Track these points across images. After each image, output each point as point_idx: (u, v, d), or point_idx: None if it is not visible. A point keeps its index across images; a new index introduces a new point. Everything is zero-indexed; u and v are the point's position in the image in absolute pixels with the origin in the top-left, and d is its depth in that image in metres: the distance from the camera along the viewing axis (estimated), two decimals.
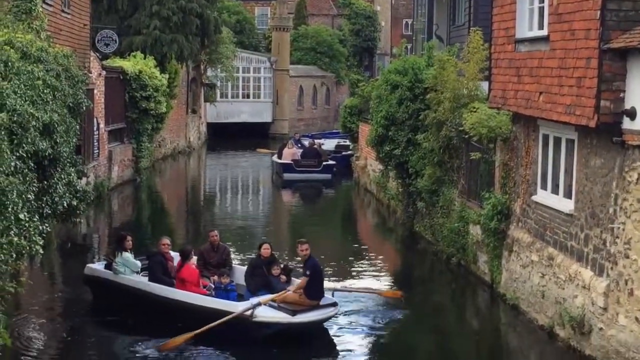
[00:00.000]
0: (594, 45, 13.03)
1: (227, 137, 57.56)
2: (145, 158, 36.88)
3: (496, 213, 17.79)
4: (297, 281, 15.65)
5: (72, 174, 17.30)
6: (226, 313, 14.46)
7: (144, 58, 36.09)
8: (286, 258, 21.76)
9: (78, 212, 17.89)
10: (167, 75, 37.57)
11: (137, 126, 35.40)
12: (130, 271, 16.18)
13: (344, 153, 42.06)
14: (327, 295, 15.34)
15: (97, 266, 17.20)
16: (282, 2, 64.67)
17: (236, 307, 14.66)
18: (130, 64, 34.75)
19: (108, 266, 16.61)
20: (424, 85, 22.98)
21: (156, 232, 25.95)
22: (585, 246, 14.22)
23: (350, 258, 22.51)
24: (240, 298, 15.61)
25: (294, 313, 14.52)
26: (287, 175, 38.50)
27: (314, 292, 15.00)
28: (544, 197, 16.08)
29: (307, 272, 15.01)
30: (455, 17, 33.35)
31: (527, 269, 16.50)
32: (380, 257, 23.39)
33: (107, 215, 29.00)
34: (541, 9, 15.50)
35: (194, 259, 16.36)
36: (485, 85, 19.87)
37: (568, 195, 15.07)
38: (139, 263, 16.37)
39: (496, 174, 18.70)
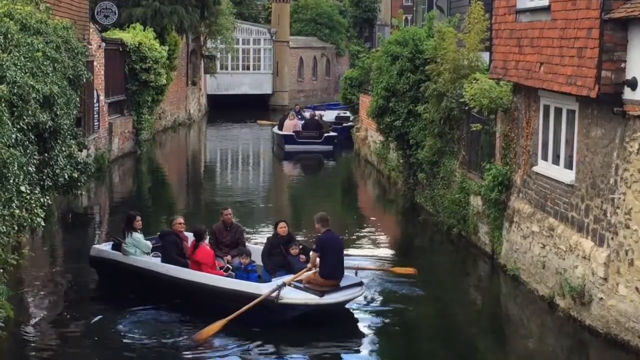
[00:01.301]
0: (595, 15, 12.99)
1: (227, 109, 57.49)
2: (146, 130, 36.86)
3: (497, 184, 17.81)
4: None
5: (73, 146, 17.24)
6: (249, 295, 13.89)
7: (144, 30, 35.96)
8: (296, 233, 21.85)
9: (79, 184, 17.75)
10: (167, 47, 37.45)
11: (137, 98, 35.35)
12: (141, 252, 15.63)
13: (344, 124, 42.06)
14: (350, 274, 14.76)
15: (104, 247, 16.56)
16: None
17: (260, 289, 14.06)
18: (130, 36, 34.63)
19: (115, 247, 16.08)
20: (424, 56, 22.91)
21: (157, 205, 26.08)
22: (585, 217, 14.25)
23: (352, 230, 22.54)
24: (257, 278, 15.08)
25: (321, 294, 13.92)
26: (289, 147, 38.52)
27: (327, 271, 14.26)
28: (544, 167, 16.08)
29: (314, 247, 14.64)
30: None
31: (528, 239, 16.54)
32: (381, 228, 23.43)
33: (108, 187, 29.03)
34: None
35: (207, 239, 15.82)
36: (486, 56, 19.82)
37: (569, 165, 15.08)
38: (150, 244, 15.83)
39: (497, 145, 18.69)
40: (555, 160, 15.72)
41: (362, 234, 22.09)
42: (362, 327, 14.34)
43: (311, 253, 14.73)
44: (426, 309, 15.79)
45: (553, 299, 15.14)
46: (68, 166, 16.58)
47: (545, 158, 16.15)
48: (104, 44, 31.65)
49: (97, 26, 32.76)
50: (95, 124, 30.09)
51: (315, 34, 69.21)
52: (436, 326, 15.08)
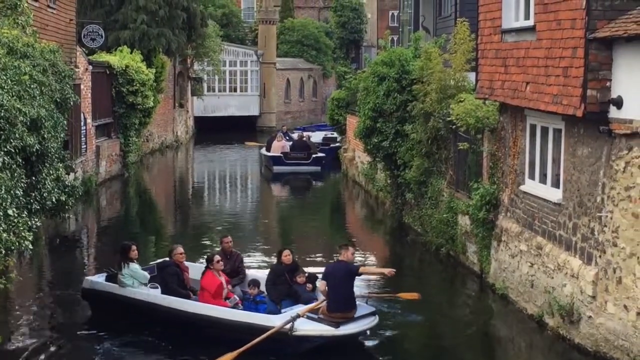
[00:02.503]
0: (580, 35, 13.08)
1: (214, 131, 57.51)
2: (133, 153, 36.84)
3: (484, 203, 17.86)
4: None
5: (60, 169, 17.19)
6: (259, 327, 13.41)
7: (131, 52, 36.01)
8: (274, 253, 21.81)
9: (67, 207, 17.67)
10: (154, 70, 37.52)
11: (124, 121, 35.36)
12: (138, 283, 15.03)
13: (331, 145, 42.12)
14: (362, 302, 14.41)
15: (98, 278, 15.82)
16: None
17: (271, 321, 13.55)
18: (117, 59, 34.66)
19: (109, 278, 15.49)
20: (411, 76, 23.01)
21: (145, 229, 26.00)
22: (573, 235, 14.29)
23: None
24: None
25: (337, 325, 13.46)
26: (277, 168, 38.54)
27: (335, 304, 13.69)
28: (532, 186, 16.14)
29: (320, 277, 14.09)
30: (441, 8, 33.36)
31: (516, 258, 16.57)
32: (370, 248, 23.44)
33: (96, 210, 28.97)
34: None
35: (220, 264, 15.03)
36: (472, 76, 19.91)
37: (556, 184, 15.13)
38: (147, 274, 15.23)
39: (484, 164, 18.75)
40: (543, 179, 15.78)
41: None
42: (353, 348, 14.31)
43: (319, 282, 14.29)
44: (415, 329, 15.78)
45: (542, 318, 15.16)
46: (55, 189, 16.51)
47: (532, 177, 16.21)
48: (91, 67, 31.67)
49: (84, 49, 32.78)
50: (83, 146, 30.05)
51: (302, 55, 69.42)
52: (425, 346, 15.07)
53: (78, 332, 14.98)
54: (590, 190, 13.70)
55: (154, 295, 14.82)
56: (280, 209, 31.59)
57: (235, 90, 64.84)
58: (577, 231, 14.14)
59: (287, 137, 42.40)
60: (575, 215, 14.20)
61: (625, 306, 12.73)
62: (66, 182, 17.74)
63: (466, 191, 19.76)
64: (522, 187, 16.44)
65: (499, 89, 16.78)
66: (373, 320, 14.08)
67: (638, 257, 12.42)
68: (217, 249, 21.56)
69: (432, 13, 34.87)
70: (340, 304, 13.72)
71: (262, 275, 15.97)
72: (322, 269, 15.01)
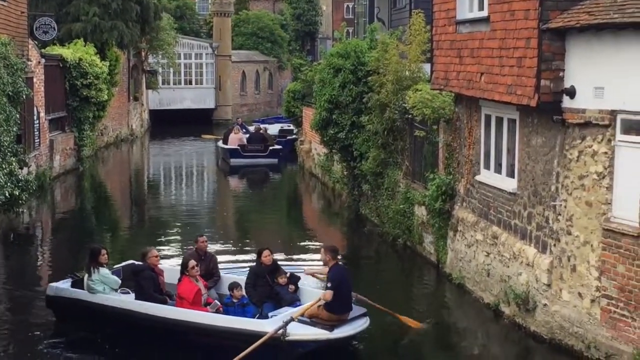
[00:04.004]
0: (533, 26, 13.17)
1: (170, 124, 57.19)
2: (88, 146, 36.51)
3: (441, 194, 17.95)
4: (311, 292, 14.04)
5: (14, 164, 16.99)
6: (250, 333, 12.69)
7: (84, 45, 35.65)
8: (232, 246, 21.77)
9: (20, 202, 17.44)
10: (107, 63, 37.20)
11: (78, 114, 35.02)
12: (109, 289, 14.23)
13: (288, 137, 42.08)
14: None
15: (63, 285, 14.82)
16: None
17: (262, 325, 12.86)
18: (70, 52, 34.30)
19: (75, 284, 14.66)
20: (366, 68, 23.05)
21: (101, 223, 25.75)
22: (528, 224, 14.42)
23: (298, 243, 22.57)
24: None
25: (331, 328, 12.89)
26: (234, 161, 38.44)
27: (339, 306, 13.13)
28: (487, 176, 16.25)
29: (329, 285, 13.12)
30: (396, 0, 33.46)
31: (472, 248, 16.69)
32: (327, 240, 23.36)
33: (50, 205, 28.64)
34: None
35: (196, 269, 14.09)
36: (427, 67, 19.99)
37: (511, 174, 15.26)
38: (119, 280, 14.47)
39: (440, 155, 18.85)
40: (498, 169, 15.90)
41: (308, 247, 22.09)
42: None
43: (327, 291, 13.15)
44: (372, 319, 15.80)
45: (498, 307, 15.28)
46: (8, 184, 16.29)
47: (487, 167, 16.32)
48: (43, 60, 31.28)
49: (37, 42, 32.37)
50: (36, 140, 29.71)
51: (257, 47, 69.24)
52: (382, 337, 15.09)
53: (45, 341, 14.13)
54: (544, 179, 13.83)
55: (129, 301, 13.99)
56: (237, 202, 31.49)
57: (190, 83, 64.51)
58: (532, 220, 14.27)
59: (244, 130, 42.30)
60: (530, 205, 14.33)
61: (579, 294, 12.88)
62: (19, 177, 17.55)
63: (422, 182, 19.85)
64: (478, 177, 16.55)
65: (454, 80, 16.86)
66: (365, 322, 13.52)
67: (592, 245, 12.58)
68: (184, 246, 21.56)
69: (387, 5, 35.00)
70: (346, 307, 13.27)
71: (235, 277, 15.36)
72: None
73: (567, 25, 12.50)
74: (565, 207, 13.21)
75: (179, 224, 25.39)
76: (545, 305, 13.74)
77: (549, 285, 13.64)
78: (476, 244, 16.50)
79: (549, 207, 13.70)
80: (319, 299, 13.20)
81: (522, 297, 14.23)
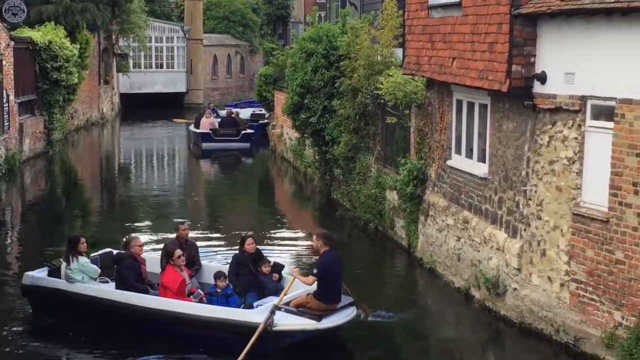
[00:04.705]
0: (505, 11, 13.21)
1: (141, 108, 56.83)
2: (58, 130, 36.24)
3: (412, 178, 18.01)
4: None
5: None
6: (235, 323, 12.50)
7: (54, 28, 35.31)
8: (204, 231, 21.71)
9: None
10: (78, 46, 36.85)
11: (48, 98, 34.73)
12: (88, 278, 13.88)
13: (260, 122, 41.99)
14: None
15: (39, 274, 14.39)
16: None
17: (248, 315, 12.65)
18: (40, 34, 33.97)
19: (52, 273, 14.27)
20: (338, 52, 23.03)
21: (71, 207, 25.61)
22: (499, 209, 14.50)
23: (269, 227, 22.54)
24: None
25: (319, 318, 12.57)
26: (206, 145, 38.32)
27: (327, 296, 12.76)
28: (458, 161, 16.31)
29: (315, 271, 12.77)
30: None
31: (443, 232, 16.76)
32: (299, 225, 23.48)
33: (20, 189, 28.43)
34: None
35: (182, 259, 13.77)
36: (399, 52, 20.00)
37: (482, 159, 15.32)
38: (98, 269, 14.06)
39: (411, 140, 18.89)
40: (469, 154, 15.96)
41: (279, 231, 22.08)
42: None
43: (309, 276, 12.96)
44: None
45: (469, 291, 15.38)
46: None
47: (459, 152, 16.38)
48: (13, 43, 30.97)
49: (6, 24, 32.03)
50: (5, 124, 29.45)
51: (228, 31, 68.89)
52: (352, 322, 15.12)
53: (13, 329, 13.95)
54: (515, 164, 13.91)
55: (110, 290, 13.69)
56: (209, 186, 31.40)
57: (161, 67, 64.11)
58: (503, 205, 14.36)
59: (215, 114, 42.16)
60: (501, 189, 14.41)
61: (549, 278, 12.99)
62: None
63: (394, 167, 19.89)
64: (449, 162, 16.61)
65: (425, 65, 16.88)
66: (353, 311, 13.23)
67: (561, 230, 12.68)
68: (157, 231, 21.50)
69: None
70: (335, 295, 12.93)
71: (215, 265, 15.25)
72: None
73: (539, 10, 12.55)
74: (535, 192, 13.30)
75: (150, 209, 25.29)
76: (515, 289, 13.84)
77: (519, 270, 13.74)
78: (447, 228, 16.57)
79: (519, 192, 13.79)
80: (292, 281, 13.00)
81: (493, 282, 14.33)
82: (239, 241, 14.97)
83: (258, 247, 14.90)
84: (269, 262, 14.45)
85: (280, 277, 14.19)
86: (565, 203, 12.58)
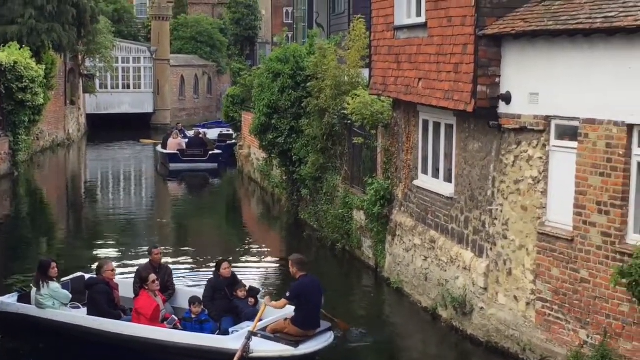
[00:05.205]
0: (470, 32, 13.32)
1: (107, 129, 56.60)
2: (23, 151, 35.94)
3: (379, 198, 18.05)
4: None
5: None
6: (210, 350, 12.30)
7: (19, 48, 35.11)
8: (172, 253, 21.59)
9: None
10: (44, 66, 36.66)
11: (13, 118, 34.47)
12: (59, 304, 13.61)
13: (228, 142, 41.95)
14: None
15: (9, 299, 14.07)
16: None
17: (223, 342, 12.43)
18: (5, 55, 33.75)
19: (22, 299, 13.97)
20: (305, 73, 23.09)
21: (37, 230, 25.35)
22: (465, 228, 14.56)
23: (237, 247, 22.48)
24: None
25: (296, 344, 12.31)
26: (173, 166, 38.19)
27: (305, 321, 12.56)
28: (425, 181, 16.38)
29: (287, 295, 12.61)
30: (335, 5, 33.59)
31: (410, 252, 16.80)
32: (267, 245, 23.42)
33: None
34: None
35: (157, 283, 13.52)
36: (366, 72, 20.08)
37: (448, 179, 15.39)
38: (69, 294, 13.80)
39: (378, 160, 18.94)
40: (435, 174, 16.03)
41: (247, 252, 22.03)
42: None
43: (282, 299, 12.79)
44: None
45: (436, 310, 15.41)
46: None
47: (425, 172, 16.44)
48: None
49: None
50: None
51: (196, 52, 68.91)
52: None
53: None
54: (481, 184, 13.99)
55: (81, 317, 13.40)
56: (176, 208, 31.27)
57: (128, 87, 63.97)
58: (469, 224, 14.42)
59: (183, 135, 42.07)
60: (467, 209, 14.47)
61: (515, 297, 13.05)
62: None
63: (361, 186, 19.93)
64: (416, 182, 16.67)
65: (392, 85, 16.96)
66: (331, 337, 12.94)
67: (527, 249, 12.75)
68: (125, 253, 21.34)
69: (326, 10, 35.08)
70: (312, 321, 12.71)
71: (190, 289, 15.04)
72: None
73: (503, 31, 12.67)
74: (501, 211, 13.38)
75: (117, 231, 25.12)
76: (481, 308, 13.89)
77: (485, 289, 13.79)
78: (414, 248, 16.61)
79: (485, 212, 13.86)
80: (264, 307, 12.82)
81: (459, 301, 14.37)
82: (214, 265, 14.74)
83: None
84: (245, 286, 14.25)
85: (256, 302, 13.95)
86: (531, 222, 12.67)
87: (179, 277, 18.00)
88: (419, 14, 15.81)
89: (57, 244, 23.31)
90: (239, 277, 15.07)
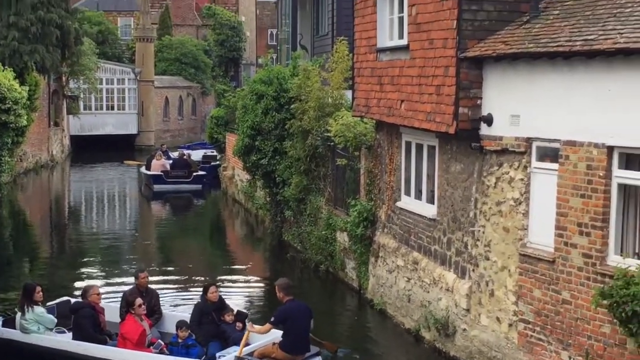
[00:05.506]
0: (452, 54, 13.40)
1: (91, 150, 56.51)
2: (6, 173, 35.72)
3: (362, 220, 18.07)
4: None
5: None
6: None
7: (2, 70, 34.99)
8: (155, 276, 21.53)
9: None
10: (27, 88, 36.51)
11: None
12: (44, 329, 13.52)
13: (212, 163, 41.94)
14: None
15: None
16: (145, 12, 63.98)
17: None
18: None
19: (6, 323, 13.89)
20: (289, 94, 23.15)
21: (20, 252, 25.22)
22: (448, 250, 14.59)
23: (221, 269, 22.45)
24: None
25: None
26: (158, 187, 38.12)
27: (292, 346, 12.54)
28: (407, 202, 16.42)
29: (272, 319, 12.62)
30: (319, 27, 33.68)
31: (393, 274, 16.81)
32: (250, 267, 23.40)
33: None
34: (401, 19, 15.82)
35: (143, 308, 13.55)
36: (350, 94, 20.14)
37: (431, 200, 15.43)
38: (54, 319, 13.71)
39: (361, 181, 18.98)
40: (418, 195, 16.07)
41: (231, 273, 21.98)
42: None
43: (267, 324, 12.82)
44: None
45: (419, 332, 15.41)
46: None
47: (408, 193, 16.49)
48: None
49: None
50: None
51: (180, 73, 68.94)
52: None
53: None
54: (463, 205, 14.03)
55: (67, 341, 13.32)
56: (160, 229, 31.19)
57: (112, 109, 63.90)
58: (452, 246, 14.45)
59: (166, 156, 42.03)
60: (450, 230, 14.51)
61: (497, 318, 13.06)
62: None
63: (344, 208, 19.95)
64: (399, 204, 16.70)
65: (375, 107, 17.01)
66: None
67: (509, 270, 12.79)
68: (109, 276, 21.25)
69: (310, 31, 35.17)
70: (300, 346, 12.67)
71: (179, 314, 14.88)
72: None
73: (484, 54, 12.76)
74: (483, 232, 13.42)
75: (101, 253, 25.02)
76: (464, 330, 13.90)
77: (468, 310, 13.81)
78: (397, 269, 16.63)
79: (467, 233, 13.90)
80: (248, 332, 12.83)
81: (442, 322, 14.38)
82: (201, 288, 14.63)
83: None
84: (232, 310, 14.15)
85: (244, 326, 13.75)
86: (513, 244, 12.71)
87: (162, 298, 17.92)
88: (401, 36, 15.88)
89: (40, 265, 23.18)
90: (224, 297, 15.04)
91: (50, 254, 25.78)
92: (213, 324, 13.78)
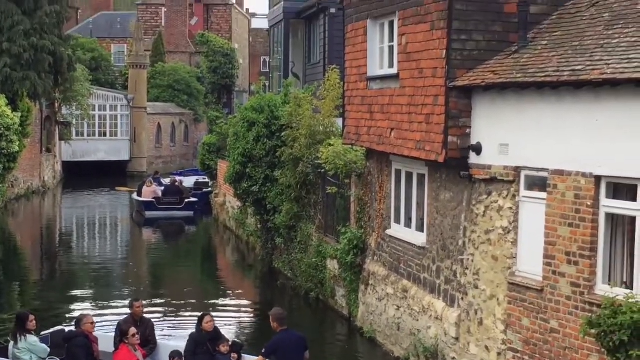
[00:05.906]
0: (441, 83, 13.49)
1: (83, 176, 56.43)
2: None
3: (352, 247, 18.09)
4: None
5: None
6: None
7: None
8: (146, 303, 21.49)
9: None
10: (19, 114, 36.58)
11: None
12: (37, 358, 13.30)
13: (204, 190, 41.94)
14: None
15: None
16: (138, 39, 64.14)
17: None
18: None
19: (0, 352, 13.67)
20: (280, 122, 23.23)
21: (10, 278, 25.12)
22: (437, 278, 14.61)
23: (212, 296, 22.39)
24: None
25: None
26: (149, 214, 38.07)
27: None
28: (397, 230, 16.45)
29: (263, 350, 12.39)
30: (310, 55, 33.85)
31: (383, 301, 16.80)
32: (241, 294, 23.38)
33: None
34: (391, 48, 15.94)
35: (137, 337, 13.41)
36: (340, 122, 20.22)
37: (420, 228, 15.47)
38: (47, 348, 13.51)
39: (352, 209, 19.01)
40: (408, 223, 16.11)
41: (222, 300, 21.95)
42: None
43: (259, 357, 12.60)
44: None
45: None
46: None
47: (398, 221, 16.52)
48: None
49: None
50: None
51: (173, 100, 69.04)
52: None
53: None
54: (452, 233, 14.07)
55: None
56: (152, 256, 31.13)
57: (105, 135, 63.88)
58: (441, 274, 14.47)
59: (157, 183, 42.00)
60: (439, 259, 14.54)
61: (486, 347, 13.07)
62: None
63: (335, 235, 19.97)
64: (388, 231, 16.73)
65: (365, 135, 17.09)
66: None
67: (498, 299, 12.80)
68: (99, 303, 21.18)
69: (302, 59, 35.33)
70: None
71: (171, 344, 14.62)
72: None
73: (473, 83, 12.85)
74: (472, 261, 13.45)
75: (92, 279, 24.96)
76: (453, 358, 13.89)
77: (457, 339, 13.81)
78: (387, 297, 16.63)
79: (456, 261, 13.93)
80: None
81: (431, 351, 14.38)
82: (197, 319, 14.46)
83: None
84: (228, 340, 14.03)
85: (240, 357, 13.70)
86: (501, 272, 12.74)
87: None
88: (391, 65, 16.00)
89: (29, 291, 23.11)
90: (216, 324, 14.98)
91: (41, 280, 25.67)
92: (208, 355, 13.64)
